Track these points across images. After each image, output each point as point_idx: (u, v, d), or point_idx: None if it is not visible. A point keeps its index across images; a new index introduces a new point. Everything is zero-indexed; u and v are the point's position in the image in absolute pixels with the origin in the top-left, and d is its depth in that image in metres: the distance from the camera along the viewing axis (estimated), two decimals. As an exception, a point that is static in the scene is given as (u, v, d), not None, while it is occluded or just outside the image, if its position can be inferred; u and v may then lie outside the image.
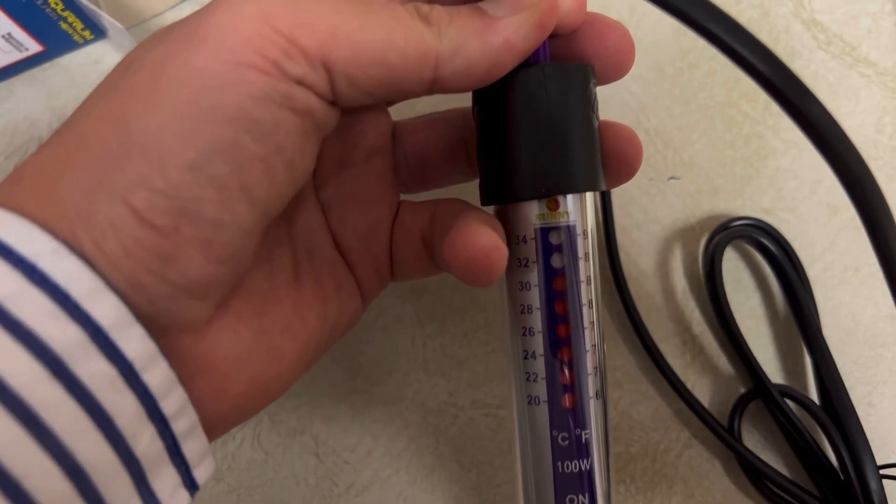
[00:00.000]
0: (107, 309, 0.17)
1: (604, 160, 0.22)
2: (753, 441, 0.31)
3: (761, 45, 0.19)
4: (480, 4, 0.21)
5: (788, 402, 0.29)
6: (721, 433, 0.29)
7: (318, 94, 0.19)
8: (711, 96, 0.33)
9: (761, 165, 0.33)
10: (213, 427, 0.20)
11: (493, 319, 0.32)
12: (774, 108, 0.33)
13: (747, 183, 0.33)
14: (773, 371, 0.31)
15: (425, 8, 0.20)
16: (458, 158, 0.26)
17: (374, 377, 0.32)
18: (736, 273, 0.32)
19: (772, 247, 0.30)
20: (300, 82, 0.18)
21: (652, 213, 0.33)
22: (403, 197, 0.26)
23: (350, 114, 0.23)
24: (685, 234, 0.33)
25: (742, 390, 0.31)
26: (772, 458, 0.31)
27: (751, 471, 0.30)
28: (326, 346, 0.24)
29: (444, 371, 0.32)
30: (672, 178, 0.33)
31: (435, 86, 0.20)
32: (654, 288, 0.32)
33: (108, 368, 0.17)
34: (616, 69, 0.23)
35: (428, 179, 0.27)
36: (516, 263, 0.22)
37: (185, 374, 0.19)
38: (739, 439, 0.30)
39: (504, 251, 0.21)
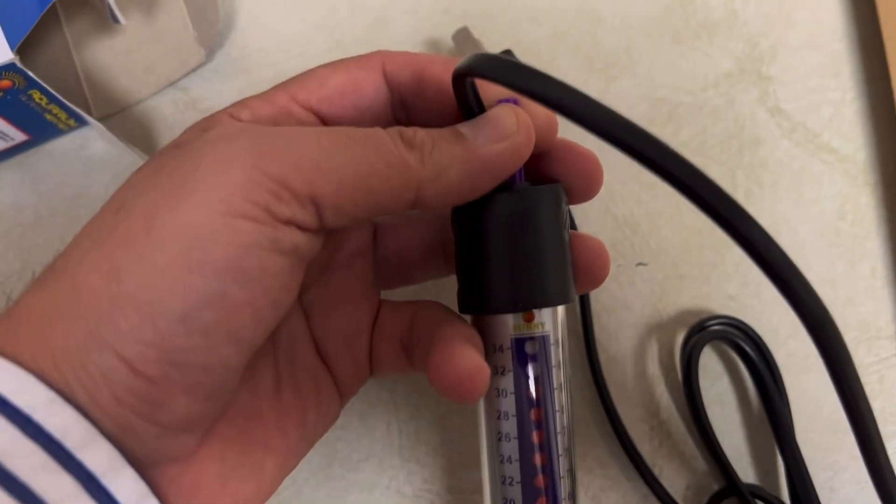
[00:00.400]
0: (100, 456, 0.18)
1: (574, 270, 0.23)
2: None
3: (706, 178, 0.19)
4: (460, 129, 0.22)
5: (759, 502, 0.30)
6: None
7: (305, 229, 0.19)
8: (678, 184, 0.34)
9: (726, 252, 0.34)
10: None
11: (467, 405, 0.33)
12: (740, 195, 0.34)
13: (713, 269, 0.34)
14: (745, 468, 0.32)
15: (409, 132, 0.21)
16: (436, 257, 0.27)
17: (351, 463, 0.33)
18: (710, 368, 0.33)
19: (748, 349, 0.31)
20: (288, 222, 0.19)
21: (621, 298, 0.34)
22: (382, 295, 0.27)
23: None
24: (653, 321, 0.34)
25: (711, 482, 0.32)
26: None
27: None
28: (304, 452, 0.25)
29: (419, 457, 0.33)
30: (640, 264, 0.34)
31: (416, 205, 0.21)
32: (623, 374, 0.33)
33: None
34: (586, 192, 0.24)
35: (407, 277, 0.27)
36: (493, 371, 0.23)
37: (175, 503, 0.19)
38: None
39: (486, 371, 0.21)
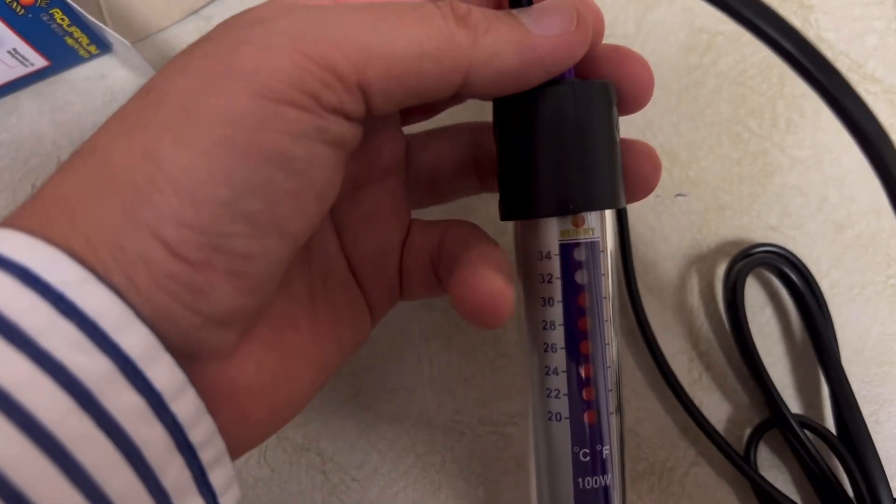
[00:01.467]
0: (136, 339, 0.17)
1: (623, 177, 0.23)
2: (766, 467, 0.31)
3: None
4: (517, 14, 0.21)
5: (807, 432, 0.29)
6: (737, 461, 0.29)
7: (351, 118, 0.19)
8: (718, 113, 0.33)
9: (768, 182, 0.33)
10: (235, 452, 0.20)
11: (499, 335, 0.32)
12: (781, 125, 0.33)
13: (754, 200, 0.33)
14: (788, 398, 0.31)
15: (461, 7, 0.20)
16: (468, 173, 0.26)
17: (380, 394, 0.32)
18: (752, 299, 0.32)
19: (793, 276, 0.30)
20: (336, 111, 0.18)
21: (659, 230, 0.33)
22: (413, 213, 0.26)
23: (367, 133, 0.23)
24: (692, 253, 0.33)
25: (753, 413, 0.31)
26: (784, 485, 0.31)
27: (767, 500, 0.30)
28: (338, 367, 0.24)
29: (451, 388, 0.32)
30: (679, 195, 0.33)
31: (462, 90, 0.20)
32: (661, 305, 0.32)
33: (138, 400, 0.16)
34: (636, 99, 0.23)
35: (438, 195, 0.27)
36: (539, 279, 0.22)
37: (212, 402, 0.19)
38: (755, 468, 0.29)
39: (509, 296, 0.21)
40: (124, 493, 0.16)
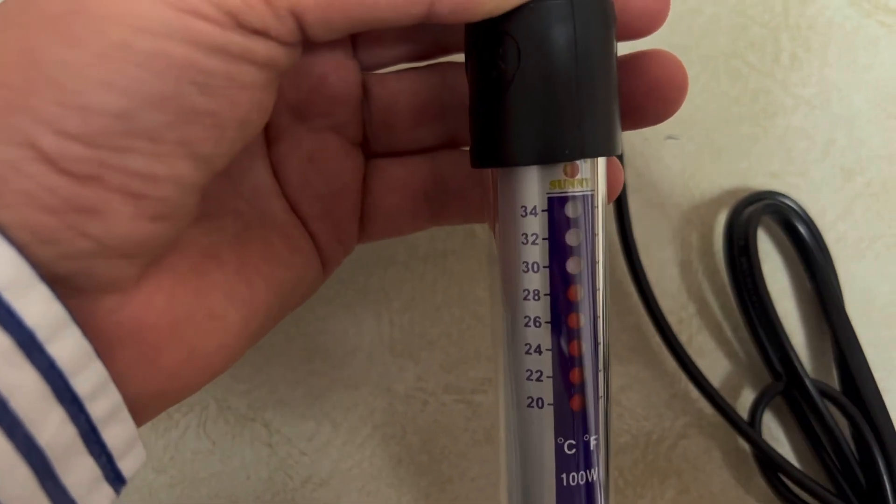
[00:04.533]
0: (1, 264, 0.14)
1: (639, 96, 0.20)
2: (764, 435, 0.28)
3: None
4: None
5: (825, 400, 0.26)
6: (742, 428, 0.26)
7: (284, 43, 0.16)
8: (715, 45, 0.30)
9: (769, 124, 0.30)
10: (145, 406, 0.17)
11: (468, 293, 0.29)
12: (784, 60, 0.30)
13: (753, 143, 0.30)
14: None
15: None
16: (431, 119, 0.23)
17: (335, 359, 0.29)
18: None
19: (800, 227, 0.27)
20: (260, 33, 0.16)
21: (647, 176, 0.29)
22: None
23: (309, 55, 0.19)
24: (684, 201, 0.29)
25: (751, 378, 0.28)
26: (780, 450, 0.28)
27: (769, 467, 0.27)
28: (278, 315, 0.21)
29: (413, 352, 0.29)
30: (669, 137, 0.30)
31: (427, 20, 0.17)
32: (647, 260, 0.29)
33: (2, 338, 0.13)
34: (646, 21, 0.20)
35: (394, 140, 0.23)
36: (521, 240, 0.18)
37: (107, 344, 0.16)
38: (760, 433, 0.27)
39: None
40: None
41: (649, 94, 0.20)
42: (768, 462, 0.27)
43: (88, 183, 0.15)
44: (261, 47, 0.16)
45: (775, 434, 0.28)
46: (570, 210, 0.18)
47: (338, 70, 0.21)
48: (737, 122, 0.30)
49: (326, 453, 0.28)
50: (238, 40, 0.15)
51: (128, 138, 0.15)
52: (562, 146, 0.17)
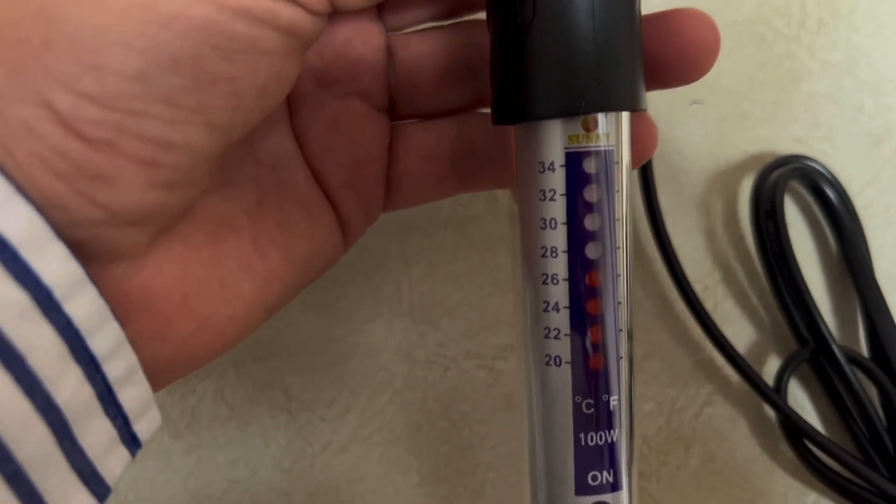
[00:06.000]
0: (18, 220, 0.13)
1: (670, 55, 0.19)
2: (790, 403, 0.28)
3: None
4: None
5: (853, 366, 0.26)
6: (768, 395, 0.26)
7: (311, 11, 0.16)
8: (739, 10, 0.29)
9: (794, 89, 0.29)
10: (155, 375, 0.17)
11: (489, 260, 0.28)
12: (811, 25, 0.29)
13: (779, 109, 0.29)
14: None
15: None
16: (457, 80, 0.22)
17: (354, 325, 0.28)
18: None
19: (829, 192, 0.27)
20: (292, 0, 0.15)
21: (671, 142, 0.29)
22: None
23: (333, 19, 0.19)
24: (709, 167, 0.29)
25: (776, 346, 0.28)
26: (807, 418, 0.27)
27: (793, 434, 0.26)
28: (295, 289, 0.21)
29: (434, 319, 0.28)
30: (694, 102, 0.29)
31: None
32: (671, 227, 0.28)
33: (19, 295, 0.13)
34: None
35: (420, 103, 0.23)
36: (539, 196, 0.18)
37: (119, 311, 0.15)
38: (786, 400, 0.26)
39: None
40: (2, 408, 0.13)
41: (680, 54, 0.19)
42: (794, 429, 0.26)
43: (101, 148, 0.14)
44: (287, 12, 0.15)
45: (801, 402, 0.28)
46: (588, 165, 0.18)
47: (361, 34, 0.21)
48: (762, 88, 0.29)
49: (346, 420, 0.28)
50: (264, 4, 0.15)
51: (144, 102, 0.14)
52: (578, 99, 0.17)
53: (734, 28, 0.30)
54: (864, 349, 0.27)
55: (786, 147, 0.29)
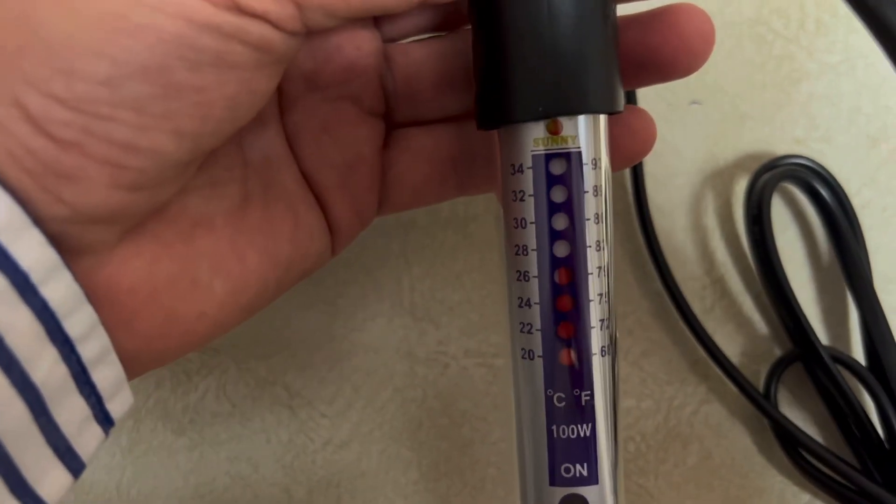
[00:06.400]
0: None
1: (667, 49, 0.20)
2: (783, 405, 0.28)
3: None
4: None
5: (838, 366, 0.26)
6: (756, 398, 0.26)
7: (282, 29, 0.16)
8: (739, 11, 0.30)
9: (793, 90, 0.29)
10: (124, 366, 0.17)
11: (489, 259, 0.29)
12: (810, 26, 0.30)
13: (778, 110, 0.29)
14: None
15: None
16: (455, 86, 0.22)
17: (355, 322, 0.28)
18: (775, 218, 0.28)
19: (824, 192, 0.27)
20: (261, 17, 0.15)
21: (670, 142, 0.29)
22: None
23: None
24: (708, 167, 0.29)
25: (773, 346, 0.28)
26: (803, 425, 0.27)
27: (787, 440, 0.26)
28: (275, 290, 0.21)
29: (434, 317, 0.28)
30: (693, 103, 0.29)
31: (427, 3, 0.17)
32: (671, 226, 0.29)
33: None
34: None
35: (418, 112, 0.23)
36: (511, 197, 0.19)
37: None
38: (776, 405, 0.26)
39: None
40: None
41: (677, 45, 0.20)
42: (787, 436, 0.26)
43: (68, 148, 0.15)
44: (255, 29, 0.16)
45: (796, 404, 0.28)
46: (554, 167, 0.18)
47: (354, 39, 0.21)
48: (761, 89, 0.30)
49: (347, 416, 0.28)
50: (232, 20, 0.15)
51: (111, 107, 0.15)
52: (536, 104, 0.18)
53: (733, 29, 0.30)
54: (861, 356, 0.27)
55: (784, 148, 0.29)
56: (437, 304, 0.29)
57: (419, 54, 0.22)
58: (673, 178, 0.29)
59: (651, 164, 0.29)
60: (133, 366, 0.18)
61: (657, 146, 0.29)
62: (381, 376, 0.28)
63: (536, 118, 0.18)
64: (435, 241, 0.29)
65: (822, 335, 0.28)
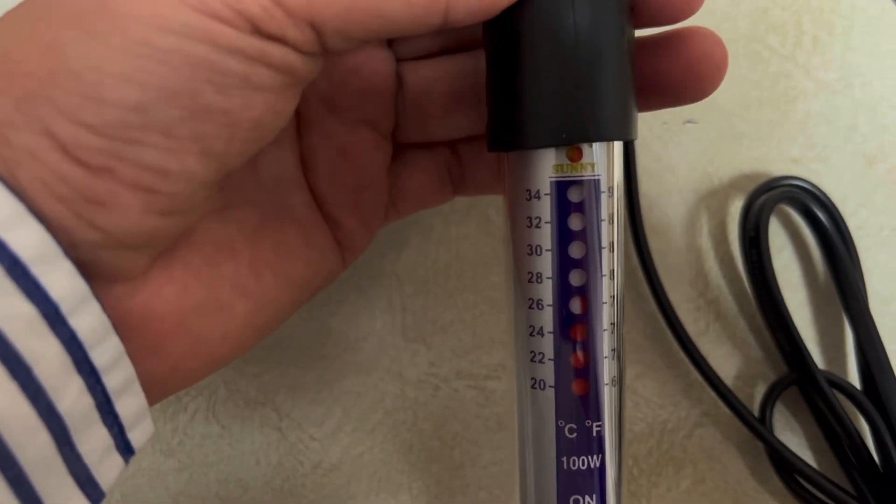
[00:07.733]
0: (29, 239, 0.14)
1: (678, 73, 0.19)
2: (778, 429, 0.28)
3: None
4: None
5: (834, 390, 0.26)
6: (751, 422, 0.26)
7: (301, 51, 0.16)
8: (735, 28, 0.29)
9: (789, 108, 0.29)
10: (149, 390, 0.17)
11: (481, 279, 0.28)
12: (806, 44, 0.29)
13: (774, 128, 0.29)
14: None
15: None
16: (464, 104, 0.22)
17: (346, 342, 0.28)
18: (770, 239, 0.28)
19: (820, 214, 0.27)
20: (278, 40, 0.16)
21: (665, 161, 0.29)
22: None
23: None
24: (703, 187, 0.29)
25: (767, 369, 0.28)
26: (798, 448, 0.27)
27: (781, 465, 0.26)
28: (290, 309, 0.21)
29: (426, 337, 0.28)
30: (688, 121, 0.29)
31: (444, 27, 0.17)
32: (665, 246, 0.28)
33: (28, 308, 0.14)
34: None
35: (426, 132, 0.23)
36: (526, 223, 0.18)
37: (116, 329, 0.16)
38: (771, 429, 0.26)
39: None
40: (8, 413, 0.14)
41: (688, 72, 0.20)
42: (782, 461, 0.26)
43: (100, 174, 0.15)
44: (277, 52, 0.16)
45: (791, 428, 0.28)
46: (573, 195, 0.18)
47: (370, 62, 0.21)
48: (757, 107, 0.29)
49: (337, 438, 0.28)
50: (255, 44, 0.15)
51: (141, 131, 0.15)
52: (561, 130, 0.17)
53: (729, 46, 0.29)
54: (855, 376, 0.27)
55: (781, 167, 0.29)
56: (429, 324, 0.28)
57: (430, 73, 0.22)
58: (668, 197, 0.29)
59: (645, 184, 0.29)
60: (159, 390, 0.18)
61: (651, 165, 0.29)
62: (371, 398, 0.28)
63: (558, 144, 0.18)
64: (427, 259, 0.29)
65: (818, 358, 0.28)
